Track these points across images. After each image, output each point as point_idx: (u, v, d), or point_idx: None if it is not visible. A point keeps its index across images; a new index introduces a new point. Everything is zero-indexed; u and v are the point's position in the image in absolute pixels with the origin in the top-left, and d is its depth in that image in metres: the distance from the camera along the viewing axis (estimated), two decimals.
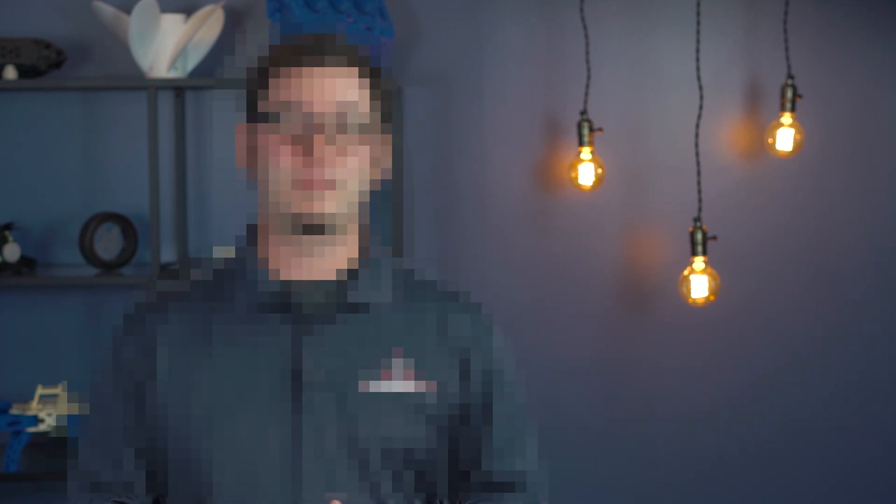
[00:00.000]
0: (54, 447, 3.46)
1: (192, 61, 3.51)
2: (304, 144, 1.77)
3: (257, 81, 1.81)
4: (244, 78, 1.84)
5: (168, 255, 3.60)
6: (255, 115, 1.82)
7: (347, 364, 1.81)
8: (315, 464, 1.80)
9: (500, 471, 1.87)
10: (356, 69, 1.80)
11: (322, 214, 1.78)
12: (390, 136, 1.88)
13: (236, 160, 1.85)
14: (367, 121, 1.80)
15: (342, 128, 1.78)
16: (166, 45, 3.42)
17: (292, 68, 1.78)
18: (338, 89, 1.78)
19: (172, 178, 3.60)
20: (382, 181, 1.86)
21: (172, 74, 3.45)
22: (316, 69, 1.78)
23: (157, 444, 1.85)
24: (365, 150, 1.80)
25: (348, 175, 1.78)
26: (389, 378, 1.82)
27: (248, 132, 1.83)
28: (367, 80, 1.81)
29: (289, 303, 1.83)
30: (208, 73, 3.54)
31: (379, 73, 1.83)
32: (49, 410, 3.46)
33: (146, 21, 3.38)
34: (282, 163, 1.77)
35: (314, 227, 1.79)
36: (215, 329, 1.84)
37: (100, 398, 1.88)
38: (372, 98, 1.81)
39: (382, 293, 1.86)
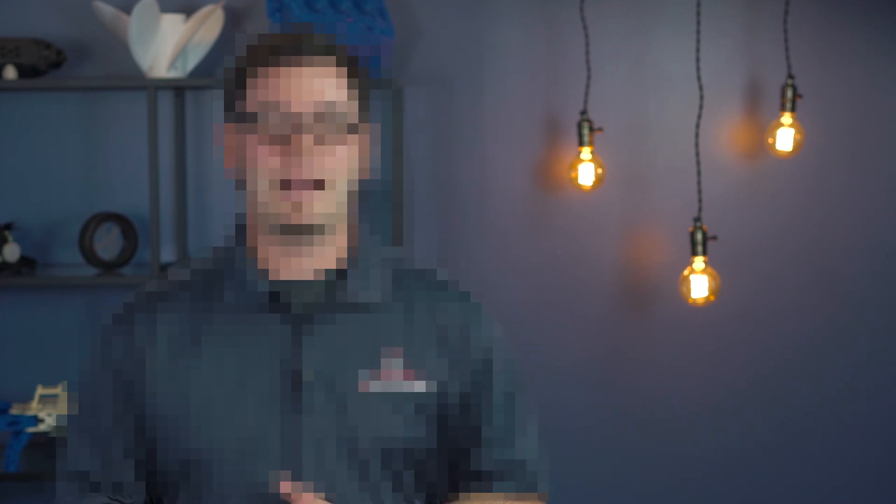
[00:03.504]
0: (54, 447, 3.45)
1: (192, 61, 3.51)
2: (284, 144, 1.74)
3: (235, 81, 1.79)
4: (224, 78, 1.82)
5: (168, 255, 3.60)
6: (233, 116, 1.79)
7: (345, 363, 1.81)
8: (314, 463, 1.80)
9: (497, 459, 1.86)
10: (334, 68, 1.77)
11: (309, 215, 1.76)
12: (378, 133, 1.85)
13: (224, 161, 1.83)
14: (350, 119, 1.78)
15: (324, 126, 1.75)
16: (166, 45, 3.42)
17: (270, 68, 1.76)
18: (316, 88, 1.76)
19: (172, 178, 3.60)
20: (382, 181, 1.86)
21: (172, 74, 3.45)
22: (294, 68, 1.76)
23: (154, 444, 1.84)
24: (349, 147, 1.78)
25: (334, 174, 1.76)
26: (388, 377, 1.82)
27: (227, 132, 1.81)
28: (346, 78, 1.78)
29: (283, 302, 1.82)
30: (208, 73, 3.54)
31: (359, 69, 1.80)
32: (49, 410, 3.46)
33: (146, 21, 3.38)
34: (262, 163, 1.75)
35: (301, 228, 1.78)
36: (209, 328, 1.83)
37: (91, 398, 1.87)
38: (350, 97, 1.78)
39: (373, 290, 1.84)
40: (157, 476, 1.86)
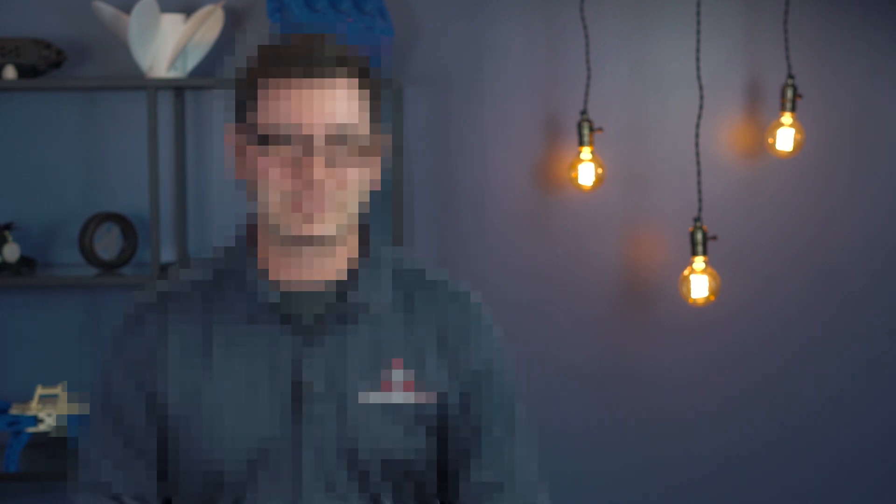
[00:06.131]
0: (54, 447, 3.46)
1: (192, 61, 3.51)
2: (296, 165, 1.72)
3: (245, 91, 1.76)
4: (234, 80, 1.79)
5: (168, 255, 3.60)
6: (244, 127, 1.77)
7: (347, 375, 1.80)
8: (315, 474, 1.79)
9: (490, 471, 1.86)
10: (346, 84, 1.74)
11: (318, 228, 1.75)
12: (390, 136, 1.85)
13: (226, 160, 1.81)
14: (362, 140, 1.76)
15: (336, 148, 1.73)
16: (166, 45, 3.42)
17: (281, 80, 1.73)
18: (329, 109, 1.73)
19: (172, 178, 3.60)
20: (382, 181, 1.85)
21: (172, 74, 3.45)
22: (306, 90, 1.72)
23: (164, 449, 1.84)
24: (361, 169, 1.76)
25: (345, 195, 1.75)
26: (389, 389, 1.81)
27: (237, 141, 1.79)
28: (362, 89, 1.76)
29: (289, 313, 1.81)
30: (208, 73, 3.54)
31: (371, 73, 1.78)
32: (49, 410, 3.46)
33: (146, 21, 3.38)
34: (272, 179, 1.73)
35: (309, 240, 1.77)
36: (216, 337, 1.82)
37: (106, 399, 1.86)
38: (364, 114, 1.76)
39: (382, 294, 1.84)
40: (167, 477, 1.86)
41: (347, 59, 1.75)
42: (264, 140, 1.73)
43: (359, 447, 1.80)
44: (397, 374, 1.81)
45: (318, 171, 1.72)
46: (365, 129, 1.76)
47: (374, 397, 1.80)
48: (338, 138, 1.73)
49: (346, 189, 1.74)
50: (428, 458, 1.84)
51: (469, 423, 1.85)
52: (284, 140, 1.72)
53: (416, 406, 1.81)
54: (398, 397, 1.81)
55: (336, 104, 1.73)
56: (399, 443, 1.81)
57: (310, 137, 1.72)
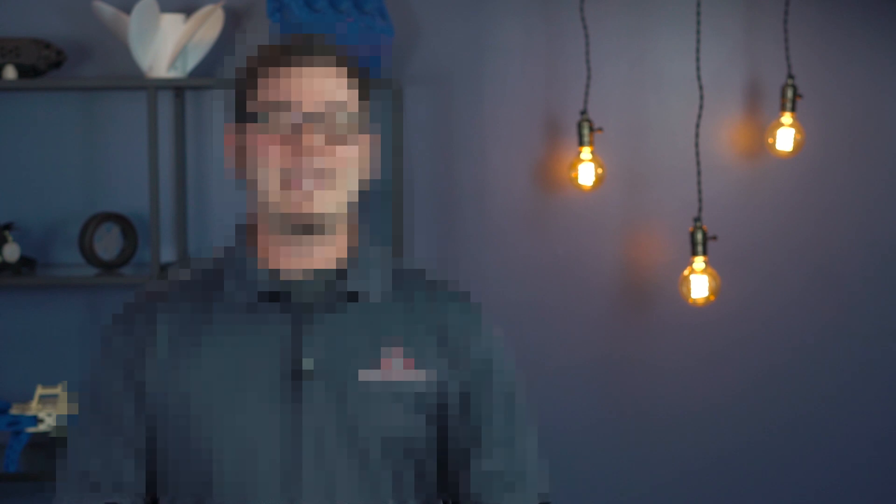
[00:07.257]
0: (54, 447, 3.46)
1: (192, 61, 3.51)
2: (293, 142, 1.77)
3: (245, 82, 1.82)
4: (234, 78, 1.85)
5: (168, 255, 3.61)
6: (244, 116, 1.82)
7: (346, 355, 1.82)
8: (314, 455, 1.81)
9: (494, 461, 1.87)
10: (344, 69, 1.81)
11: (312, 214, 1.79)
12: (378, 137, 1.89)
13: (225, 161, 1.86)
14: (355, 120, 1.81)
15: (331, 126, 1.79)
16: (166, 45, 3.42)
17: (280, 68, 1.79)
18: (326, 88, 1.79)
19: (172, 178, 3.60)
20: (382, 181, 1.87)
21: (172, 74, 3.45)
22: (304, 69, 1.79)
23: (157, 442, 1.85)
24: (354, 149, 1.81)
25: (340, 172, 1.79)
26: (389, 367, 1.83)
27: (237, 132, 1.84)
28: (355, 81, 1.82)
29: (288, 300, 1.83)
30: (208, 73, 3.54)
31: (367, 73, 1.85)
32: (49, 410, 3.46)
33: (146, 21, 3.38)
34: (271, 162, 1.78)
35: (305, 227, 1.80)
36: (209, 325, 1.84)
37: (95, 397, 1.88)
38: (360, 98, 1.83)
39: (374, 287, 1.86)
40: (158, 475, 1.86)
41: (346, 59, 1.82)
42: (263, 117, 1.79)
43: (358, 424, 1.81)
44: (397, 352, 1.84)
45: (309, 138, 1.77)
46: (354, 118, 1.81)
47: (375, 375, 1.82)
48: (334, 115, 1.79)
49: (341, 167, 1.79)
50: (428, 438, 1.85)
51: (473, 417, 1.86)
52: (282, 116, 1.78)
53: (416, 384, 1.83)
54: (398, 375, 1.83)
55: (332, 82, 1.80)
56: (399, 420, 1.82)
57: (307, 113, 1.78)
